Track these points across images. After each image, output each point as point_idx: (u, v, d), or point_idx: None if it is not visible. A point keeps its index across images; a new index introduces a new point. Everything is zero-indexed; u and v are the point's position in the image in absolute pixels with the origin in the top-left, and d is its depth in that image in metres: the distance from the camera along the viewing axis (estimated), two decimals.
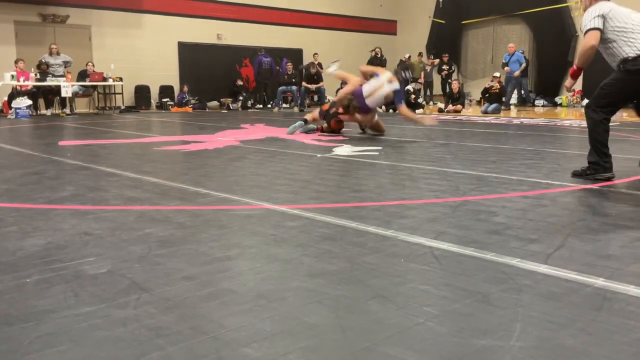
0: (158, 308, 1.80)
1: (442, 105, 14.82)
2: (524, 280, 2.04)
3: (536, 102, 17.20)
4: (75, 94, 13.61)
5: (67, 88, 12.85)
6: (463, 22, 19.65)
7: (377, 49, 16.26)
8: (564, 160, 5.28)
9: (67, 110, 13.29)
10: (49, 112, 13.17)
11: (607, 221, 2.93)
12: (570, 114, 13.24)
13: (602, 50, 4.19)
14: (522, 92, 16.93)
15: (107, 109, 14.71)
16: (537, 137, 7.54)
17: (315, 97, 16.68)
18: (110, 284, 2.02)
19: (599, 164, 4.13)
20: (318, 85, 15.56)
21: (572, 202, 3.52)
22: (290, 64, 16.30)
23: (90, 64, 13.83)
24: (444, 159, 5.44)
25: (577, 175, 4.26)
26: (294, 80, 15.95)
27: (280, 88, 16.05)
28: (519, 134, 8.02)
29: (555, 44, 17.28)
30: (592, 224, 2.90)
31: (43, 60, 13.06)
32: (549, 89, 17.53)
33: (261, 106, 17.07)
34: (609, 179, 4.08)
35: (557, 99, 17.23)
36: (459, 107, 13.66)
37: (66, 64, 13.35)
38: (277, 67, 17.20)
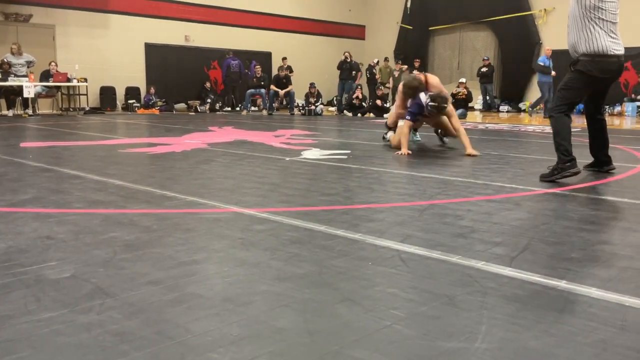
0: (122, 313, 1.77)
1: None
2: (488, 283, 2.07)
3: (501, 107, 17.53)
4: (38, 95, 13.31)
5: (30, 88, 12.55)
6: (430, 28, 19.91)
7: (347, 53, 16.33)
8: (527, 165, 5.38)
9: (30, 111, 13.00)
10: (10, 113, 12.85)
11: (569, 225, 2.99)
12: (534, 120, 13.53)
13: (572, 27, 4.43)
14: (488, 97, 17.25)
15: (71, 110, 14.43)
16: (501, 142, 7.68)
17: (284, 101, 16.67)
18: (73, 289, 1.98)
19: (564, 162, 4.25)
20: (287, 89, 15.54)
21: (535, 205, 3.59)
22: (259, 66, 16.25)
23: (53, 63, 13.54)
24: (411, 163, 5.49)
25: (546, 177, 4.33)
26: (262, 83, 15.91)
27: (249, 91, 15.98)
28: (483, 139, 8.15)
29: (519, 50, 17.65)
30: (555, 227, 2.96)
31: (5, 59, 12.75)
32: (513, 95, 17.89)
33: (230, 109, 16.98)
34: (575, 174, 4.21)
35: (521, 105, 17.59)
36: None
37: (29, 63, 13.06)
38: (246, 70, 17.13)
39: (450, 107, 6.35)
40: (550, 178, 4.28)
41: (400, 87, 6.67)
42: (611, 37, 4.30)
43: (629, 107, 14.91)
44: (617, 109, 14.91)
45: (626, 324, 1.72)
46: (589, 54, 4.30)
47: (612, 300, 1.91)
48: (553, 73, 13.73)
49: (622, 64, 4.45)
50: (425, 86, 6.38)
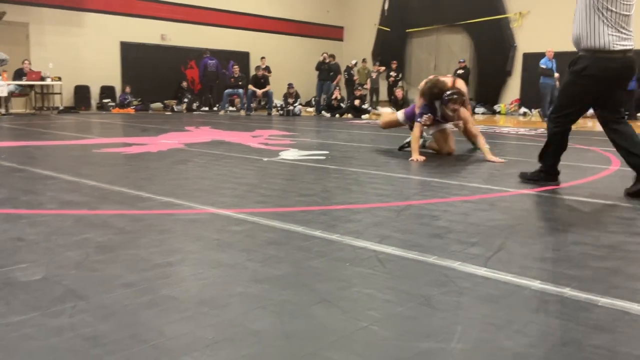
0: (95, 316, 1.74)
1: None
2: (464, 283, 2.08)
3: (476, 109, 17.71)
4: (11, 94, 13.07)
5: (3, 87, 12.33)
6: (407, 30, 20.04)
7: (325, 54, 16.34)
8: (502, 166, 5.44)
9: (2, 110, 12.76)
10: None
11: (543, 225, 3.03)
12: (508, 122, 13.68)
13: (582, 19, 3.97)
14: None
15: (45, 109, 14.19)
16: None
17: (262, 101, 16.62)
18: (44, 292, 1.93)
19: (547, 172, 4.28)
20: (265, 89, 15.48)
21: (510, 206, 3.63)
22: (236, 66, 16.17)
23: (26, 62, 13.31)
24: (389, 164, 5.51)
25: (525, 178, 4.37)
26: (240, 83, 15.83)
27: (227, 91, 15.90)
28: (459, 140, 8.21)
29: (494, 53, 17.87)
30: (529, 227, 2.99)
31: None
32: (488, 97, 18.10)
33: (207, 109, 16.87)
34: (555, 186, 4.24)
35: (496, 107, 17.80)
36: None
37: (2, 62, 12.78)
38: (224, 70, 17.04)
39: (466, 113, 6.15)
40: (529, 180, 4.33)
41: (423, 88, 6.31)
42: (618, 30, 3.83)
43: None
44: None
45: (599, 323, 1.74)
46: (590, 49, 3.92)
47: (585, 300, 1.93)
48: (557, 75, 13.18)
49: (629, 60, 3.91)
50: (444, 92, 6.04)
